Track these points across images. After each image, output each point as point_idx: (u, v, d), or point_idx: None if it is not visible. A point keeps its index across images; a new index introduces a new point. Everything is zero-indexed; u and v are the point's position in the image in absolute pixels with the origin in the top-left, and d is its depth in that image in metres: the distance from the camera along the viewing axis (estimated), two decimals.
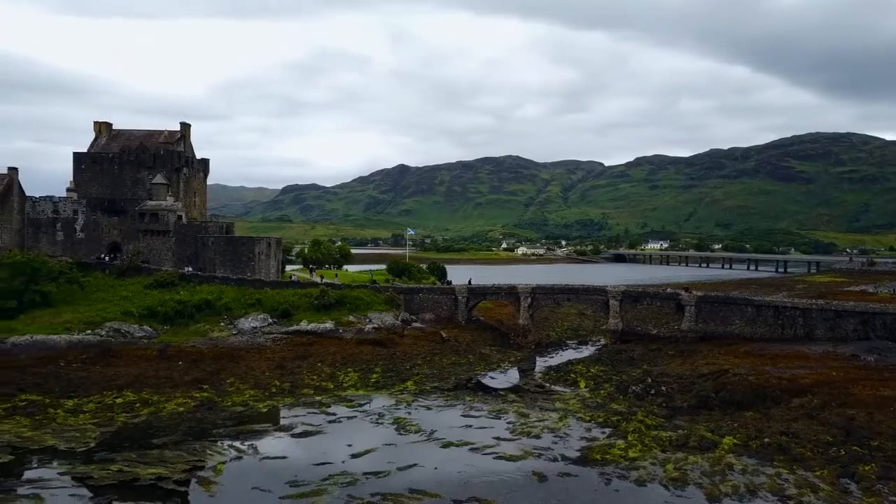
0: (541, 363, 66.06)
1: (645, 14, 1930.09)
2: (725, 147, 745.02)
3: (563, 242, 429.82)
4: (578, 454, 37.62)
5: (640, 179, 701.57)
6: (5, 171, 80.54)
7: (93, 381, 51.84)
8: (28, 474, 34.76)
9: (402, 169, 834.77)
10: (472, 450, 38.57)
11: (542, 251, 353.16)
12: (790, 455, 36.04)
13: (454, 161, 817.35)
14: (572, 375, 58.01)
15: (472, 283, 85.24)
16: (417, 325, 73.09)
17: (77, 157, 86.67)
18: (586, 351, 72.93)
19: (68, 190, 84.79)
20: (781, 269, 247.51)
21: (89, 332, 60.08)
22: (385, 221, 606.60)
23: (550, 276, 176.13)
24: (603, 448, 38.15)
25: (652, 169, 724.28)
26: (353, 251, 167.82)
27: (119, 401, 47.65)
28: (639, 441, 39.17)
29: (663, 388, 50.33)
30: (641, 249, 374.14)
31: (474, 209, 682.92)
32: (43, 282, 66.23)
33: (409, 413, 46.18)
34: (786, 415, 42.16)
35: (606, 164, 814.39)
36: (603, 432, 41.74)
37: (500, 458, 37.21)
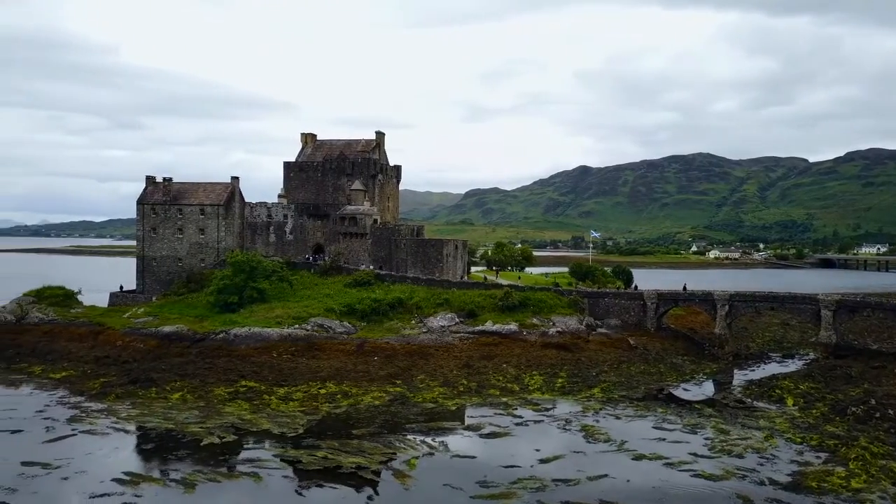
0: (739, 376, 61.37)
1: None
2: None
3: (761, 245, 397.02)
4: (790, 479, 34.30)
5: (851, 176, 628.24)
6: (229, 181, 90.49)
7: (300, 371, 56.49)
8: (247, 454, 38.56)
9: (583, 170, 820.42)
10: (666, 464, 36.68)
11: (736, 255, 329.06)
12: None
13: (638, 160, 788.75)
14: (777, 391, 53.13)
15: (662, 289, 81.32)
16: (602, 330, 71.13)
17: (286, 165, 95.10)
18: (792, 365, 66.63)
19: (279, 196, 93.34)
20: None
21: (297, 326, 65.54)
22: (565, 223, 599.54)
23: (747, 281, 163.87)
24: (819, 475, 34.43)
25: (866, 164, 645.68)
26: (534, 253, 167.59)
27: (322, 391, 51.45)
28: (863, 470, 34.86)
29: (890, 411, 44.42)
30: (854, 254, 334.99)
31: (660, 210, 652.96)
32: (259, 279, 73.49)
33: (597, 421, 44.99)
34: None
35: (811, 159, 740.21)
36: (817, 457, 37.73)
37: (697, 475, 34.99)
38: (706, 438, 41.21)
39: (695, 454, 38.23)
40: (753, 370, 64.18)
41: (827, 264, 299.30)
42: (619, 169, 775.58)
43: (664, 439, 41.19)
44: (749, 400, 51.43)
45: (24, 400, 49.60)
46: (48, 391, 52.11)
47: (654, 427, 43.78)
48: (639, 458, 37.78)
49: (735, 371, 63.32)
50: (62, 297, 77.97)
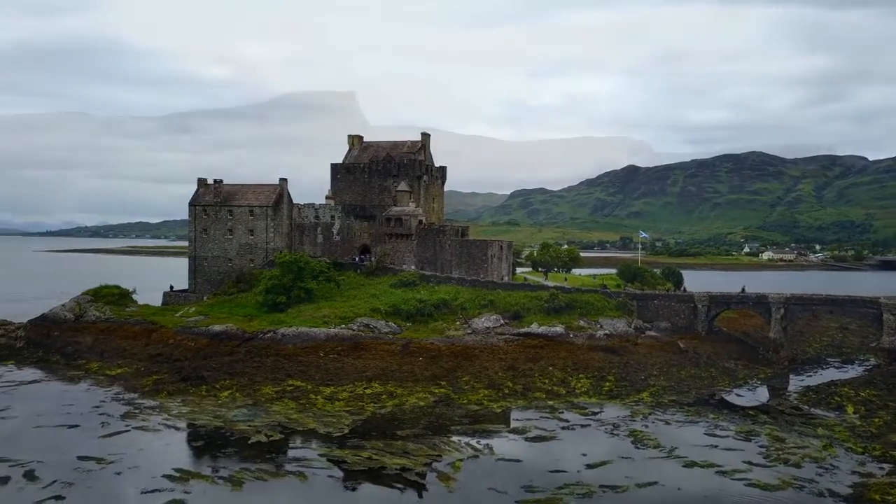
0: (795, 382, 59.32)
1: None
2: None
3: (817, 247, 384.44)
4: (850, 491, 32.88)
5: None
6: (277, 182, 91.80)
7: (346, 371, 56.79)
8: (293, 453, 38.92)
9: (632, 170, 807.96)
10: (719, 472, 35.57)
11: (791, 256, 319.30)
12: None
13: (688, 160, 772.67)
14: (837, 398, 51.06)
15: (714, 291, 79.19)
16: (652, 333, 69.58)
17: (333, 167, 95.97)
18: (852, 371, 64.20)
19: (327, 197, 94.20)
20: None
21: (343, 326, 65.96)
22: (613, 224, 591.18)
23: (803, 284, 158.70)
24: (882, 487, 32.90)
25: None
26: (581, 255, 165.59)
27: (368, 391, 51.63)
28: None
29: None
30: None
31: (711, 210, 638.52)
32: (307, 279, 74.25)
33: (646, 426, 43.97)
34: None
35: (871, 157, 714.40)
36: (881, 468, 36.10)
37: (752, 485, 33.81)
38: (761, 446, 39.87)
39: (749, 462, 37.00)
40: (810, 376, 62.04)
41: (888, 266, 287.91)
42: (668, 169, 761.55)
43: (716, 446, 40.02)
44: (806, 407, 49.62)
45: (81, 396, 51.23)
46: (104, 387, 53.70)
47: (705, 433, 42.59)
48: (690, 465, 36.76)
49: (791, 376, 61.27)
50: (118, 297, 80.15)
